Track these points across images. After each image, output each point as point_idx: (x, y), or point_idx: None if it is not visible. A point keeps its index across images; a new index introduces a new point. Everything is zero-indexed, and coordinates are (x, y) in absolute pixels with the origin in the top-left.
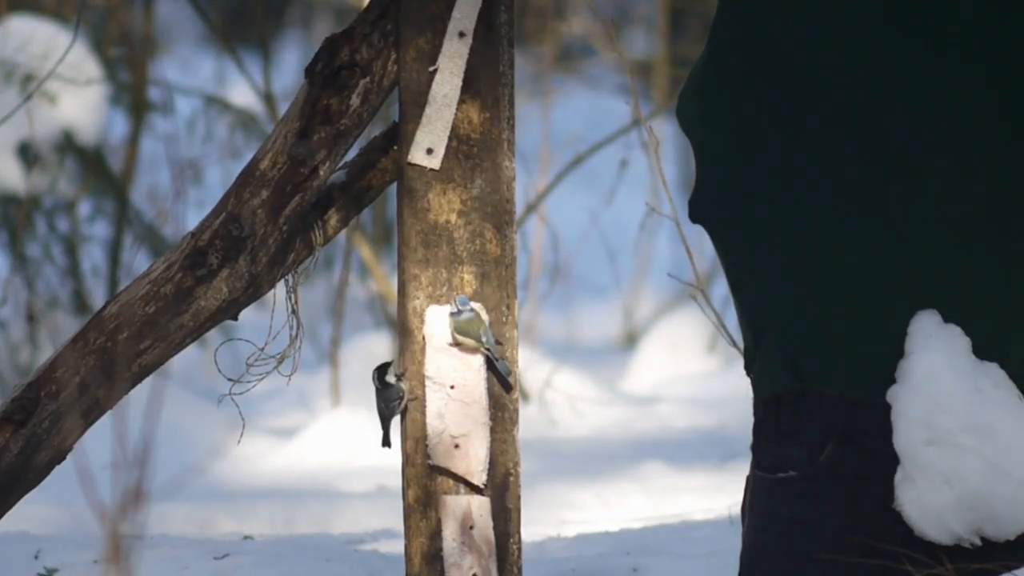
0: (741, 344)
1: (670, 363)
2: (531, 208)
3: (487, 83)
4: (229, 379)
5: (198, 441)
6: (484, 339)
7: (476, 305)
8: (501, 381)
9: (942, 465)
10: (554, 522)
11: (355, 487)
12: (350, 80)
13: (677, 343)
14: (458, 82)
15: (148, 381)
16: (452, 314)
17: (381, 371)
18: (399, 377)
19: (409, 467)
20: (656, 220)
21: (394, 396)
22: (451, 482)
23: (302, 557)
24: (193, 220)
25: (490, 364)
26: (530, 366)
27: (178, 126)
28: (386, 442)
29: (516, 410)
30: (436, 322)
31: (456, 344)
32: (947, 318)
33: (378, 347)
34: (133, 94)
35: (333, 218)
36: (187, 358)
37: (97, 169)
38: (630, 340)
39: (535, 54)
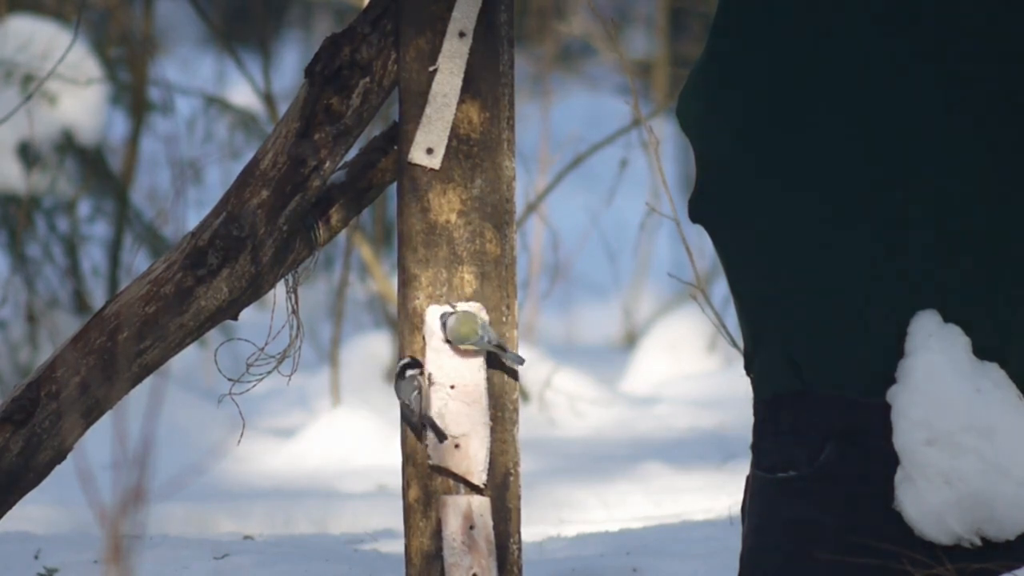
0: (741, 344)
1: (670, 363)
2: (531, 208)
3: (487, 83)
4: (229, 379)
5: (198, 441)
6: (485, 339)
7: (474, 305)
8: (510, 372)
9: (942, 465)
10: (554, 522)
11: (355, 487)
12: (350, 80)
13: (677, 343)
14: (458, 82)
15: (148, 381)
16: (441, 318)
17: (403, 367)
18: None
19: (409, 467)
20: (656, 220)
21: (410, 390)
22: (451, 482)
23: (302, 557)
24: (193, 220)
25: (495, 359)
26: (530, 366)
27: (178, 126)
28: (440, 436)
29: (516, 410)
30: (436, 322)
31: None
32: (947, 318)
33: (378, 347)
34: (133, 94)
35: (333, 218)
36: (187, 358)
37: (97, 169)
38: (630, 340)
39: (535, 54)
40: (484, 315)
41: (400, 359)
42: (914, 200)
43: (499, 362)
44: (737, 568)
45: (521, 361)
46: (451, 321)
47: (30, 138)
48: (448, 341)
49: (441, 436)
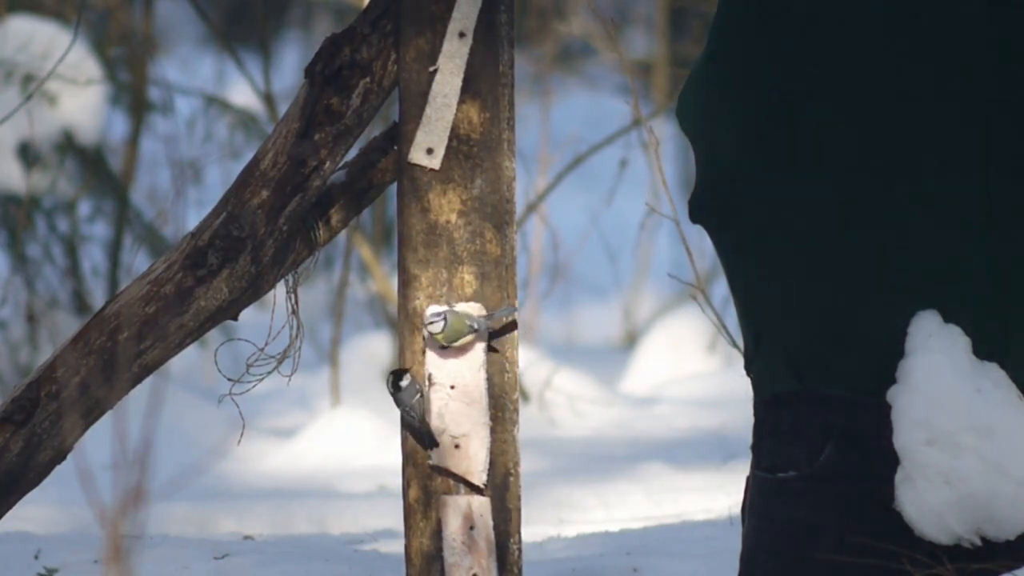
0: (741, 344)
1: (670, 363)
2: (531, 208)
3: (487, 83)
4: (229, 379)
5: (198, 441)
6: (477, 327)
7: (473, 305)
8: (510, 372)
9: (942, 465)
10: (554, 522)
11: (355, 487)
12: (350, 80)
13: (677, 343)
14: (458, 82)
15: (148, 381)
16: (429, 327)
17: (396, 376)
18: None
19: (409, 467)
20: (656, 220)
21: (412, 395)
22: (451, 482)
23: (302, 557)
24: (193, 220)
25: (495, 359)
26: (530, 366)
27: (178, 126)
28: (431, 442)
29: (516, 410)
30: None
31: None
32: (947, 318)
33: (378, 347)
34: (133, 94)
35: (333, 218)
36: (187, 358)
37: (97, 169)
38: (630, 340)
39: (535, 54)
40: (471, 311)
41: (399, 362)
42: (915, 200)
43: (498, 362)
44: (737, 568)
45: (513, 310)
46: (438, 328)
47: (30, 138)
48: (446, 346)
49: (433, 444)
